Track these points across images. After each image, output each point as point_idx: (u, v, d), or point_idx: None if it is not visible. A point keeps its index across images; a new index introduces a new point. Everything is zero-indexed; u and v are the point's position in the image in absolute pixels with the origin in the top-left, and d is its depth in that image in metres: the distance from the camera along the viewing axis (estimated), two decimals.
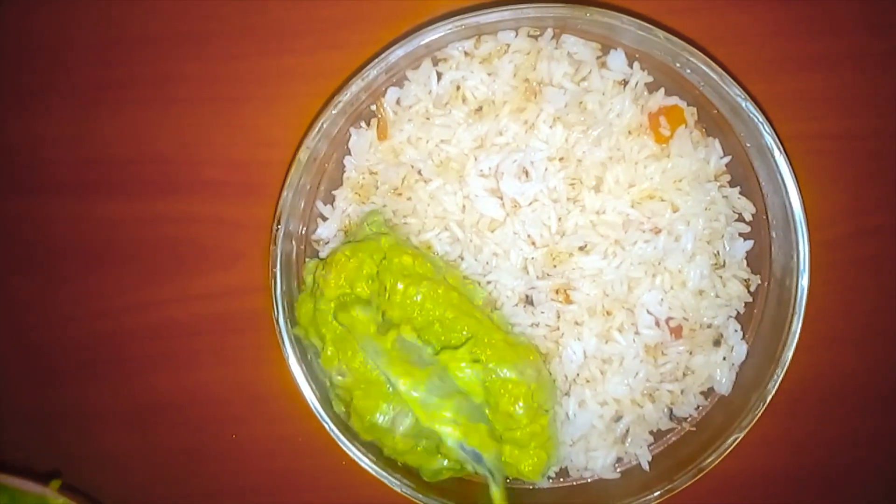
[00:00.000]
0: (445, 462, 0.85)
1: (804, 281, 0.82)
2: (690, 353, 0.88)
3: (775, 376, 0.83)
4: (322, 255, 0.91)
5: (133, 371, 1.00)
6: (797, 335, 0.82)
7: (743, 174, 0.89)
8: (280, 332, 0.86)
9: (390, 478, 0.86)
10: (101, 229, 0.99)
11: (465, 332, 0.82)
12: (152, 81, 0.98)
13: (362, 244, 0.83)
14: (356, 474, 0.87)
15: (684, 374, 0.89)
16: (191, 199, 0.98)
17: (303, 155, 0.84)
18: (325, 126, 0.83)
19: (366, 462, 0.86)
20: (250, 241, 0.97)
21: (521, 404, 0.80)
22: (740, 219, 0.89)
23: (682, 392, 0.89)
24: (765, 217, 0.88)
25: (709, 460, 0.84)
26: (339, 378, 0.82)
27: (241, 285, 0.98)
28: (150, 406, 1.00)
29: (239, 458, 1.00)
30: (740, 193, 0.89)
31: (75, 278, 1.00)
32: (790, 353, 0.82)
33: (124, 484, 1.00)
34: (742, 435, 0.83)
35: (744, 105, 0.81)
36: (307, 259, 0.90)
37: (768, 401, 0.83)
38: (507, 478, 0.87)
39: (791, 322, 0.83)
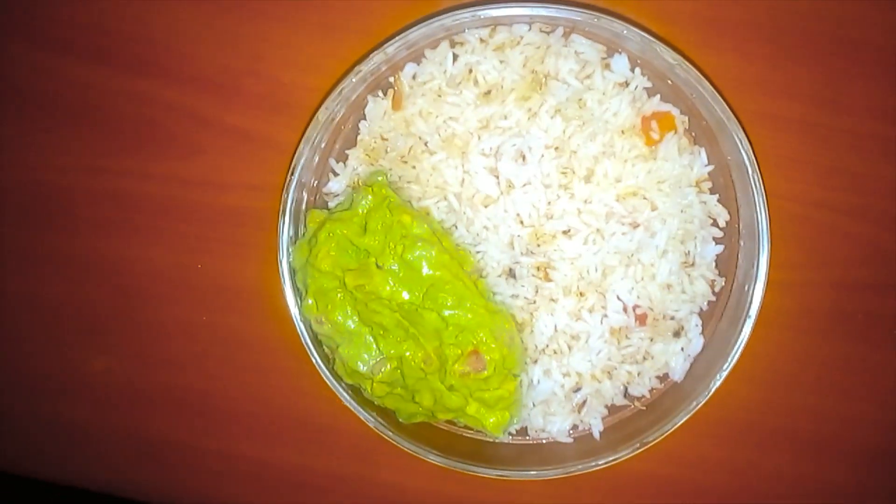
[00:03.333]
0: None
1: (758, 289, 0.89)
2: (651, 340, 0.95)
3: (722, 372, 0.90)
4: (331, 205, 0.98)
5: (81, 230, 1.07)
6: (746, 338, 0.90)
7: (723, 184, 0.95)
8: (283, 274, 0.94)
9: (366, 414, 0.94)
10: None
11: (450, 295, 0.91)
12: None
13: (342, 215, 0.91)
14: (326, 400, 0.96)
15: (643, 359, 0.96)
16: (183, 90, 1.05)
17: (321, 115, 0.91)
18: (344, 91, 0.90)
19: (344, 396, 0.94)
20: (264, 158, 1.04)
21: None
22: (715, 224, 0.96)
23: (638, 374, 0.96)
24: (737, 226, 0.95)
25: (651, 438, 0.92)
26: (318, 325, 0.91)
27: (232, 182, 1.05)
28: (90, 264, 1.07)
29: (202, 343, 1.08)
30: (718, 201, 0.95)
31: (43, 130, 1.06)
32: (738, 353, 0.90)
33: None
34: (685, 419, 0.91)
35: (727, 123, 0.87)
36: (314, 208, 0.97)
37: (711, 392, 0.91)
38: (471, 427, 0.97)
39: (743, 325, 0.90)
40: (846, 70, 1.01)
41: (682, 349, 0.96)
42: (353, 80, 0.88)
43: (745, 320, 0.90)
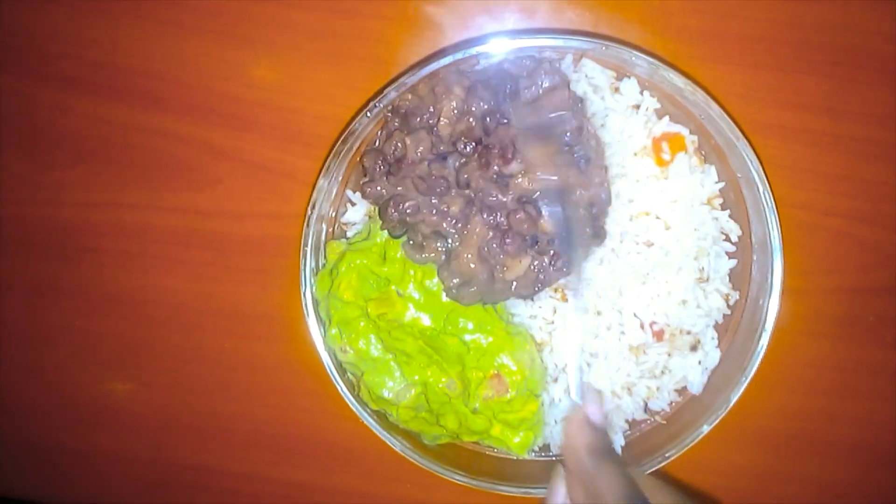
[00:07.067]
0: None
1: (773, 302, 0.91)
2: (669, 355, 0.96)
3: (740, 384, 0.92)
4: (349, 234, 1.00)
5: (103, 263, 1.09)
6: (763, 350, 0.91)
7: (734, 199, 0.96)
8: (306, 305, 0.95)
9: (391, 438, 0.95)
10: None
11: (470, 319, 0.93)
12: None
13: (361, 246, 0.94)
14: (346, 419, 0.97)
15: (662, 373, 0.97)
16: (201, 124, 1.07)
17: (338, 152, 0.92)
18: (359, 128, 0.91)
19: (370, 422, 0.95)
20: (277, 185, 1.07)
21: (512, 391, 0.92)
22: (727, 239, 0.97)
23: (657, 388, 0.97)
24: (749, 240, 0.96)
25: (672, 451, 0.93)
26: (343, 354, 0.93)
27: (240, 211, 1.07)
28: (113, 296, 1.10)
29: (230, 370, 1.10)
30: (729, 216, 0.96)
31: (62, 167, 1.08)
32: (755, 365, 0.91)
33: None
34: (706, 431, 0.93)
35: (735, 142, 0.89)
36: (333, 239, 0.99)
37: (731, 404, 0.92)
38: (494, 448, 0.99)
39: (759, 337, 0.92)
40: (849, 78, 1.03)
41: (700, 362, 0.97)
42: (369, 115, 0.90)
43: (761, 333, 0.91)
